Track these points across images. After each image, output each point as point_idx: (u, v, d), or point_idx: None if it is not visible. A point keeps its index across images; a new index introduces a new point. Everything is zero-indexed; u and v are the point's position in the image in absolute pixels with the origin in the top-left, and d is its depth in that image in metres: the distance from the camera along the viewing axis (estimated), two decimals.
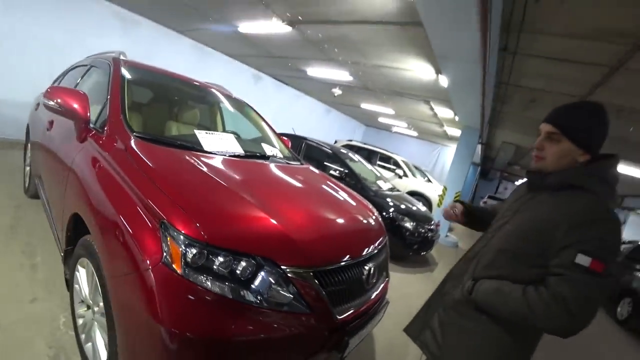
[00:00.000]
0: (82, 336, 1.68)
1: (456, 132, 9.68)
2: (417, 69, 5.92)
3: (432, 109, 8.83)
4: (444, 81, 5.34)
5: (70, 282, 1.85)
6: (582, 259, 0.95)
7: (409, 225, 4.70)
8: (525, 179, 1.30)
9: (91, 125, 2.02)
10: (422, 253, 5.09)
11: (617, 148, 5.17)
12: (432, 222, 5.22)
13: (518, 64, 4.59)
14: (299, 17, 5.09)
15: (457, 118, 7.64)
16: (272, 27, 5.74)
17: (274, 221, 1.45)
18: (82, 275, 1.70)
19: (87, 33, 6.40)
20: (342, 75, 7.87)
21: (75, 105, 1.97)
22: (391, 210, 4.73)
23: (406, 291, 3.88)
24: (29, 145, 3.72)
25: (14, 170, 4.34)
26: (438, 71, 5.50)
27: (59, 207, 2.04)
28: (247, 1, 4.93)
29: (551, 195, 1.13)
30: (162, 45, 7.82)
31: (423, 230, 4.83)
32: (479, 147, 9.26)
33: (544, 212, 1.10)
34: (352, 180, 5.08)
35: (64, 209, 1.92)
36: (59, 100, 1.97)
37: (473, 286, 1.18)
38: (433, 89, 6.76)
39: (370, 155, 9.81)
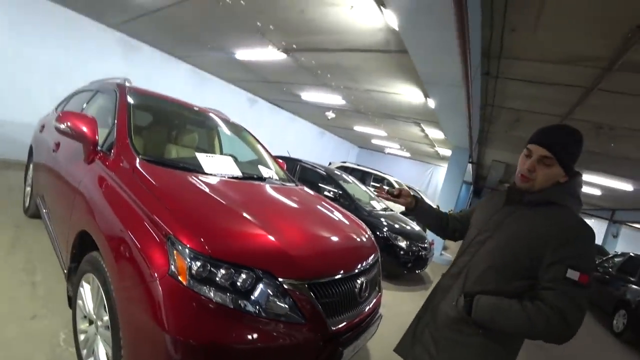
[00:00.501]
0: (84, 352, 1.73)
1: (447, 152, 9.92)
2: (406, 93, 6.18)
3: (422, 130, 9.09)
4: (431, 104, 5.57)
5: (73, 299, 1.91)
6: (572, 274, 1.07)
7: (402, 244, 4.79)
8: (494, 190, 1.42)
9: (98, 148, 2.13)
10: (417, 271, 5.16)
11: (602, 163, 5.40)
12: (426, 241, 5.31)
13: (500, 87, 4.84)
14: (294, 46, 5.35)
15: (447, 138, 7.87)
16: (267, 54, 5.99)
17: (271, 237, 1.55)
18: (86, 290, 1.76)
19: (90, 58, 6.64)
20: (335, 99, 8.13)
21: (85, 129, 2.08)
22: (385, 229, 4.83)
23: (400, 309, 3.92)
24: (30, 165, 3.80)
25: (13, 190, 4.42)
26: (426, 95, 5.74)
27: (64, 226, 2.11)
28: (244, 30, 5.18)
29: (530, 210, 1.24)
30: (161, 70, 8.07)
31: (416, 249, 4.91)
32: (470, 166, 9.48)
33: (530, 229, 1.19)
34: (346, 200, 5.19)
35: (70, 227, 2.00)
36: (69, 124, 2.08)
37: (470, 303, 1.22)
38: (422, 111, 7.01)
39: (364, 177, 9.96)
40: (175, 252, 1.32)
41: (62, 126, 2.11)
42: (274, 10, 4.24)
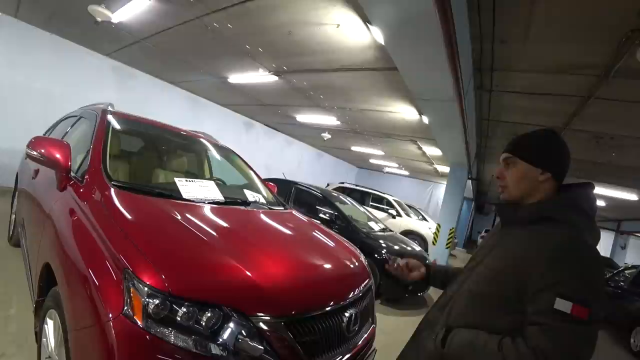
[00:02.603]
0: None
1: (446, 169, 9.81)
2: (400, 111, 6.13)
3: (420, 148, 9.02)
4: (427, 121, 5.49)
5: (38, 336, 1.76)
6: (562, 304, 0.82)
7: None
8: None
9: (72, 175, 2.03)
10: (419, 294, 4.92)
11: (605, 173, 5.27)
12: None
13: (495, 100, 4.77)
14: (284, 67, 5.34)
15: (444, 155, 7.78)
16: (259, 77, 6.01)
17: (244, 269, 1.39)
18: (49, 328, 1.62)
19: (85, 85, 6.73)
20: (329, 120, 8.11)
21: (57, 155, 1.98)
22: (383, 251, 4.63)
23: (402, 337, 3.67)
24: (16, 193, 3.72)
25: (1, 218, 4.29)
26: (420, 112, 5.68)
27: (34, 257, 2.00)
28: (234, 54, 5.20)
29: (524, 229, 1.04)
30: (156, 96, 8.14)
31: None
32: (470, 182, 9.34)
33: (517, 250, 0.99)
34: (342, 222, 5.02)
35: (38, 258, 1.88)
36: (42, 150, 1.98)
37: (446, 337, 1.04)
38: (418, 128, 6.95)
39: (363, 197, 9.81)
40: (131, 289, 1.18)
41: (35, 152, 2.01)
42: (261, 33, 4.23)
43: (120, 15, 4.58)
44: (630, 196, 8.23)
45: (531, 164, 1.07)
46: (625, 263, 10.03)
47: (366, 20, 3.25)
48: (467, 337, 0.99)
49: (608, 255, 13.56)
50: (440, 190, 15.39)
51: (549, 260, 0.88)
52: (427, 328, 1.23)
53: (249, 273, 1.38)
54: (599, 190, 8.38)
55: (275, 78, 5.83)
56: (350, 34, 3.66)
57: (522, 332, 0.89)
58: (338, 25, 3.52)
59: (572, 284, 0.84)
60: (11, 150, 5.74)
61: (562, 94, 4.00)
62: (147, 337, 1.12)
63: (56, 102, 6.00)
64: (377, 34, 3.33)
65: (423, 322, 1.29)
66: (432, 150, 8.76)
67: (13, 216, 3.70)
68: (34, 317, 1.87)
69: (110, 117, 2.47)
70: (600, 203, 10.04)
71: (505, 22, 3.03)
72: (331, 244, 2.23)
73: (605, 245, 15.68)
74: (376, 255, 4.58)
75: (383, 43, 3.24)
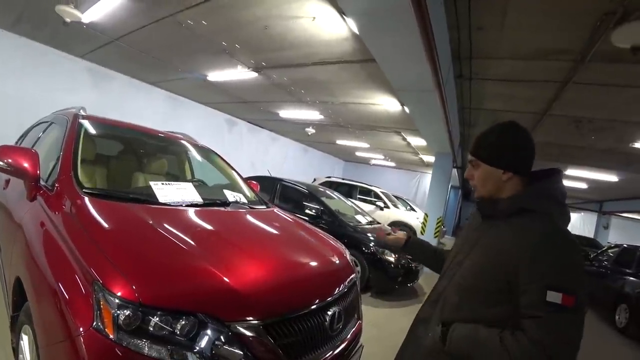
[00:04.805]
0: None
1: (432, 159, 9.89)
2: (382, 103, 6.11)
3: (404, 139, 9.04)
4: (409, 112, 5.49)
5: (16, 352, 1.70)
6: (553, 296, 0.89)
7: (390, 258, 4.58)
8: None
9: (42, 183, 1.95)
10: (409, 285, 4.95)
11: (585, 157, 5.35)
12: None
13: (476, 88, 4.79)
14: (263, 63, 5.25)
15: (428, 145, 7.81)
16: (238, 74, 5.91)
17: (220, 274, 1.35)
18: (25, 343, 1.56)
19: (59, 88, 6.48)
20: (313, 115, 8.05)
21: (25, 164, 1.89)
22: (371, 244, 4.63)
23: (393, 327, 3.69)
24: None
25: None
26: (402, 102, 5.67)
27: (7, 270, 1.93)
28: (211, 51, 5.08)
29: (505, 222, 1.07)
30: (135, 97, 7.93)
31: (406, 262, 4.71)
32: (455, 171, 9.42)
33: (500, 244, 1.04)
34: (329, 217, 5.00)
35: (10, 271, 1.82)
36: (8, 160, 1.90)
37: (446, 333, 1.07)
38: (401, 120, 6.95)
39: (350, 190, 9.82)
40: (101, 301, 1.13)
41: (1, 162, 1.91)
42: (237, 29, 4.14)
43: (90, 15, 4.42)
44: (611, 177, 8.44)
45: (490, 164, 1.10)
46: (608, 242, 10.29)
47: (342, 12, 3.19)
48: (467, 332, 1.03)
49: (592, 236, 13.92)
50: (427, 180, 15.49)
51: (534, 255, 0.93)
52: (421, 325, 1.25)
53: (224, 277, 1.34)
54: (580, 173, 8.56)
55: (255, 74, 5.73)
56: (327, 26, 3.60)
57: (516, 323, 0.94)
58: (314, 18, 3.46)
59: (557, 275, 0.91)
60: None
61: (541, 80, 4.03)
62: (119, 349, 1.08)
63: (30, 108, 5.80)
64: (353, 26, 3.28)
65: (416, 319, 1.30)
66: (417, 141, 8.80)
67: None
68: (10, 333, 1.82)
69: (81, 122, 2.39)
70: (582, 185, 10.27)
71: (481, 10, 3.02)
72: (313, 240, 2.20)
73: (588, 226, 16.11)
74: (364, 249, 4.58)
75: (359, 33, 3.20)
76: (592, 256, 7.48)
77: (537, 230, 0.98)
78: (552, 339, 0.88)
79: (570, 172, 8.71)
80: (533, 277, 0.92)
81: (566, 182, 10.13)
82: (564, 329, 0.89)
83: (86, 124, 2.41)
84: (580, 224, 17.11)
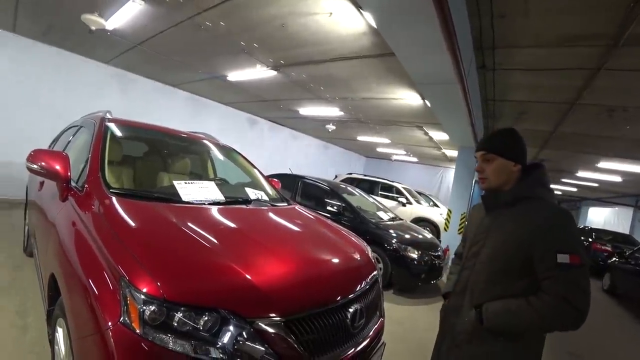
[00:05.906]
0: None
1: (455, 153, 9.66)
2: (403, 97, 6.01)
3: (426, 133, 8.87)
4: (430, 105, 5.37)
5: (52, 344, 1.80)
6: (562, 258, 1.12)
7: (413, 254, 4.51)
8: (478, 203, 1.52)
9: (72, 184, 2.05)
10: (432, 282, 4.86)
11: (619, 148, 5.06)
12: (439, 249, 5.02)
13: (500, 79, 4.62)
14: (281, 61, 5.27)
15: (451, 139, 7.62)
16: (258, 73, 5.96)
17: (241, 270, 1.37)
18: (60, 336, 1.65)
19: (88, 94, 6.84)
20: (332, 111, 8.02)
21: (57, 167, 2.00)
22: (393, 241, 4.58)
23: (417, 325, 3.65)
24: (27, 204, 3.86)
25: (15, 230, 4.44)
26: (422, 96, 5.56)
27: (43, 266, 2.05)
28: (230, 51, 5.14)
29: (509, 210, 1.33)
30: (158, 100, 8.17)
31: (429, 259, 4.62)
32: None
33: (513, 228, 1.27)
34: (350, 214, 4.97)
35: (46, 268, 1.93)
36: (42, 163, 2.01)
37: (481, 313, 1.26)
38: (422, 114, 6.82)
39: (371, 186, 9.74)
40: (128, 297, 1.19)
41: (34, 166, 2.04)
42: (254, 28, 4.17)
43: (114, 22, 4.57)
44: None
45: (506, 158, 1.34)
46: None
47: (358, 6, 3.15)
48: (500, 306, 1.24)
49: (627, 232, 13.19)
50: (450, 175, 15.13)
51: (546, 230, 1.18)
52: (452, 314, 1.45)
53: (247, 274, 1.36)
54: (614, 165, 8.11)
55: (274, 73, 5.76)
56: (344, 21, 3.57)
57: (538, 288, 1.17)
58: (330, 13, 3.44)
59: (564, 241, 1.16)
60: (22, 164, 5.81)
61: (569, 68, 3.83)
62: (145, 343, 1.13)
63: (62, 114, 6.10)
64: (370, 19, 3.24)
65: (446, 311, 1.52)
66: (439, 135, 8.61)
67: (26, 227, 3.86)
68: (47, 326, 1.95)
69: (108, 125, 2.49)
70: (616, 178, 9.75)
71: None
72: (335, 237, 2.19)
73: (623, 221, 15.26)
74: (386, 245, 4.54)
75: (377, 27, 3.15)
76: (627, 253, 7.10)
77: (543, 211, 1.23)
78: (568, 288, 1.11)
79: (602, 164, 8.27)
80: (546, 246, 1.16)
81: (599, 176, 9.72)
82: (575, 279, 1.12)
83: (112, 126, 2.51)
84: (614, 219, 16.24)
